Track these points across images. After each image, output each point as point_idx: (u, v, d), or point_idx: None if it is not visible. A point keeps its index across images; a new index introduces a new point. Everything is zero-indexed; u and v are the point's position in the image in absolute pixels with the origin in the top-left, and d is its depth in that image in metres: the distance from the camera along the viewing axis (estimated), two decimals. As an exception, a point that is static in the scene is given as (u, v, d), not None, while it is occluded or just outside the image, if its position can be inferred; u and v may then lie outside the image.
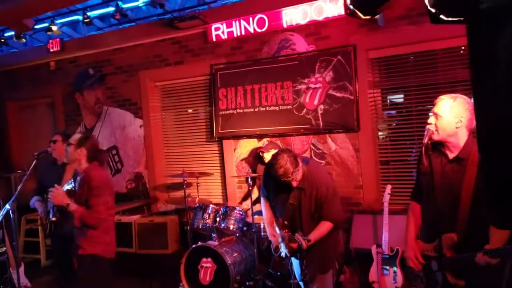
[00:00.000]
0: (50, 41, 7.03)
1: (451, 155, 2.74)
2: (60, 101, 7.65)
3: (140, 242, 5.68)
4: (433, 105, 2.79)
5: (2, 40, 7.06)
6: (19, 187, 4.70)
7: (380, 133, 5.47)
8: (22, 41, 6.83)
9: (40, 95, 7.92)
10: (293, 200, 3.52)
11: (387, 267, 4.53)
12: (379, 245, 4.63)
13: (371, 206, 5.22)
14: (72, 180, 4.33)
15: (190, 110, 6.68)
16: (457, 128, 2.69)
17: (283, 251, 3.55)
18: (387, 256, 4.56)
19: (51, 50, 7.06)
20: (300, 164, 3.44)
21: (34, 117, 8.24)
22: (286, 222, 3.53)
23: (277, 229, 3.54)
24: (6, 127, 8.34)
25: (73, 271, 5.02)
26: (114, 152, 7.18)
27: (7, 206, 4.53)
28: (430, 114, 2.79)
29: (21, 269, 5.01)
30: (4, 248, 5.36)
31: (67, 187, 4.35)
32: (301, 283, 3.91)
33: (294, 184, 3.47)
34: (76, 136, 3.92)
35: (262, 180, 3.90)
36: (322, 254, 3.54)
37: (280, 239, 3.53)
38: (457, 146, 2.72)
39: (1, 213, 4.33)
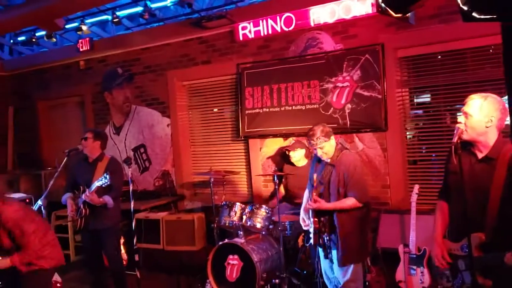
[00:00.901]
0: (80, 40, 7.20)
1: (480, 155, 2.72)
2: (90, 100, 7.80)
3: (168, 239, 5.77)
4: (463, 104, 2.77)
5: (33, 40, 7.26)
6: (50, 184, 4.84)
7: (408, 133, 5.42)
8: (52, 40, 7.02)
9: (70, 94, 8.11)
10: (324, 176, 3.69)
11: (414, 267, 4.49)
12: (406, 245, 4.60)
13: (398, 205, 5.18)
14: (103, 176, 4.43)
15: (215, 109, 6.74)
16: (487, 127, 2.67)
17: (311, 237, 3.62)
18: (414, 256, 4.52)
19: (81, 50, 7.24)
20: (332, 140, 3.77)
21: (64, 116, 8.43)
22: (314, 193, 3.68)
23: (310, 215, 3.68)
24: (37, 126, 8.56)
25: (102, 266, 5.16)
26: (142, 150, 7.29)
27: (39, 202, 4.68)
28: (459, 114, 2.76)
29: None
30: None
31: (98, 184, 4.47)
32: (327, 281, 3.93)
33: (324, 157, 3.76)
34: None
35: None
36: (349, 244, 3.58)
37: (309, 222, 3.63)
38: (486, 146, 2.70)
39: (34, 208, 4.47)
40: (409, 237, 4.61)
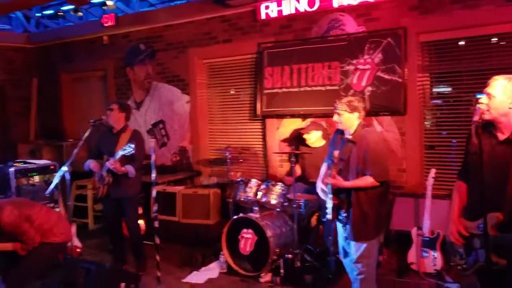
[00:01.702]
0: (105, 16, 7.29)
1: (501, 136, 2.73)
2: (112, 75, 7.92)
3: (184, 212, 5.90)
4: (486, 86, 2.78)
5: (60, 14, 7.38)
6: (75, 152, 4.96)
7: (427, 117, 5.42)
8: (79, 15, 7.14)
9: (93, 68, 8.24)
10: (345, 153, 3.65)
11: (427, 250, 4.54)
12: (419, 228, 4.64)
13: (413, 189, 5.21)
14: (128, 145, 4.55)
15: (232, 91, 6.79)
16: (510, 108, 2.68)
17: (329, 212, 3.64)
18: (428, 239, 4.56)
19: (105, 25, 7.33)
20: (354, 116, 3.68)
21: (86, 89, 8.58)
22: (334, 171, 3.64)
23: (328, 191, 3.67)
24: (60, 98, 8.73)
25: (121, 234, 5.32)
26: (161, 126, 7.41)
27: (64, 168, 4.81)
28: (480, 95, 2.75)
29: (73, 229, 5.32)
30: (58, 208, 5.71)
31: (122, 152, 4.60)
32: (343, 257, 3.98)
33: (339, 125, 3.74)
34: None
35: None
36: (364, 221, 3.60)
37: (328, 194, 3.65)
38: (508, 127, 2.71)
39: (58, 174, 4.61)
40: (423, 221, 4.65)
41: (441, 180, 4.97)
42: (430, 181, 4.63)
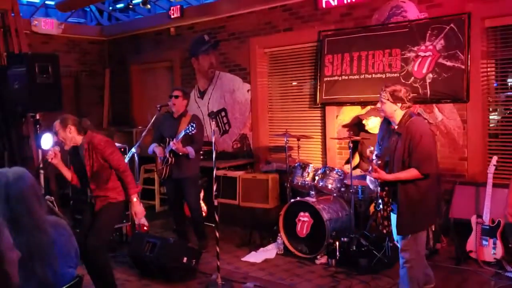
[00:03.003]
0: (171, 7, 7.64)
1: None
2: (178, 65, 8.28)
3: (244, 196, 6.11)
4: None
5: (130, 6, 7.82)
6: (143, 135, 5.34)
7: (491, 105, 5.28)
8: (147, 7, 7.52)
9: (160, 59, 8.63)
10: (391, 144, 3.62)
11: (487, 238, 4.46)
12: (479, 216, 4.57)
13: (475, 178, 5.11)
14: (190, 125, 4.85)
15: (292, 81, 6.90)
16: None
17: (380, 202, 3.69)
18: (488, 227, 4.48)
19: (172, 17, 7.69)
20: (396, 107, 3.57)
21: (154, 80, 9.02)
22: (380, 162, 3.62)
23: (376, 183, 3.72)
24: (130, 88, 9.23)
25: (184, 214, 5.62)
26: (223, 114, 7.67)
27: (133, 150, 5.18)
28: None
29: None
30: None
31: (184, 132, 4.93)
32: (398, 243, 4.01)
33: (382, 113, 3.70)
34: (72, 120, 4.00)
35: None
36: (411, 213, 3.59)
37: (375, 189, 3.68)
38: None
39: (128, 155, 4.97)
40: (483, 209, 4.57)
41: (505, 168, 4.85)
42: (491, 169, 4.54)
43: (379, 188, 3.72)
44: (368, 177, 3.99)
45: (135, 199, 3.99)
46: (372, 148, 3.75)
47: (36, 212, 2.17)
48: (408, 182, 3.55)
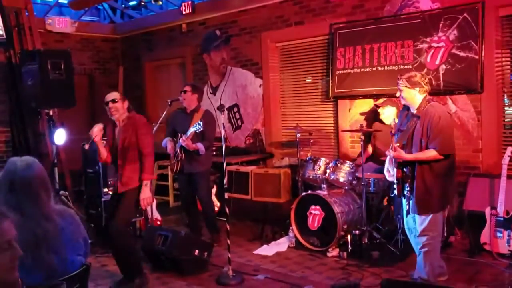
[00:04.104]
0: (183, 4, 7.66)
1: None
2: (190, 61, 8.30)
3: (256, 190, 6.11)
4: None
5: (142, 3, 7.86)
6: (154, 129, 5.38)
7: (506, 95, 5.18)
8: (159, 3, 7.56)
9: (172, 55, 8.67)
10: (409, 127, 3.68)
11: (501, 230, 4.39)
12: (493, 207, 4.49)
13: (489, 170, 5.03)
14: (197, 123, 4.87)
15: (305, 75, 6.86)
16: None
17: (395, 187, 3.68)
18: (502, 219, 4.40)
19: (184, 13, 7.71)
20: (414, 91, 3.70)
21: (167, 76, 9.07)
22: (398, 144, 3.69)
23: (394, 165, 3.73)
24: (144, 85, 9.30)
25: (196, 209, 5.64)
26: (235, 109, 7.67)
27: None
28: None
29: (154, 204, 5.74)
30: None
31: (192, 129, 4.92)
32: (408, 233, 3.98)
33: (402, 101, 3.79)
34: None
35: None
36: (428, 194, 3.59)
37: (393, 173, 3.69)
38: None
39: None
40: (497, 201, 4.49)
41: (520, 160, 4.75)
42: (505, 160, 4.47)
43: (395, 170, 3.73)
44: (386, 164, 3.95)
45: (146, 184, 4.16)
46: (396, 120, 3.81)
47: (42, 200, 2.20)
48: (424, 163, 3.62)
